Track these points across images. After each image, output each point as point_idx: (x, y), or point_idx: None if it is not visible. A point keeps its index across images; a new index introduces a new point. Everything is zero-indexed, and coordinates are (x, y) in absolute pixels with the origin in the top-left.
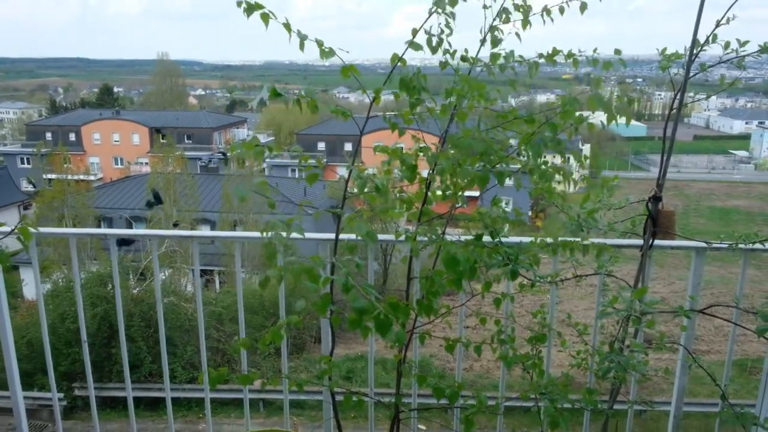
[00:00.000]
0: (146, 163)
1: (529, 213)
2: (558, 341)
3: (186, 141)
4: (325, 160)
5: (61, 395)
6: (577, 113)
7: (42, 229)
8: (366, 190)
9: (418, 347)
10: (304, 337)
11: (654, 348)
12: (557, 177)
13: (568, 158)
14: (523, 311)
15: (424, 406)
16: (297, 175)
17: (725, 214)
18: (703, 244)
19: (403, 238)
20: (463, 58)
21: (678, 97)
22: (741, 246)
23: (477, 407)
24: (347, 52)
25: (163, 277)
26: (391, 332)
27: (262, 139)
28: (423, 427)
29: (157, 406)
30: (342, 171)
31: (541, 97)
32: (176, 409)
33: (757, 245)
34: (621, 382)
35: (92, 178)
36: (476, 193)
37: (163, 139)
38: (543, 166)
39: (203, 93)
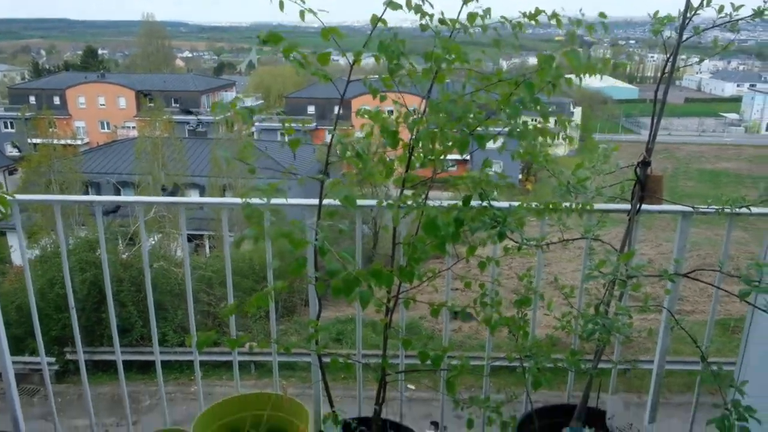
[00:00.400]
0: (133, 127)
1: (519, 176)
2: (544, 304)
3: (173, 104)
4: (314, 124)
5: (53, 359)
6: (569, 76)
7: (21, 197)
8: (348, 154)
9: (407, 310)
10: (294, 300)
11: (638, 311)
12: (549, 140)
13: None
14: (512, 273)
15: (411, 368)
16: (287, 138)
17: (714, 177)
18: (690, 209)
19: (384, 204)
20: (441, 21)
21: (670, 60)
22: (727, 210)
23: (459, 370)
24: (327, 12)
25: (153, 242)
26: (354, 293)
27: (251, 102)
28: (412, 387)
29: (148, 369)
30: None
31: (533, 60)
32: (168, 372)
33: (743, 210)
34: (605, 344)
35: (79, 142)
36: (467, 156)
37: (150, 102)
38: (522, 127)
39: (190, 55)
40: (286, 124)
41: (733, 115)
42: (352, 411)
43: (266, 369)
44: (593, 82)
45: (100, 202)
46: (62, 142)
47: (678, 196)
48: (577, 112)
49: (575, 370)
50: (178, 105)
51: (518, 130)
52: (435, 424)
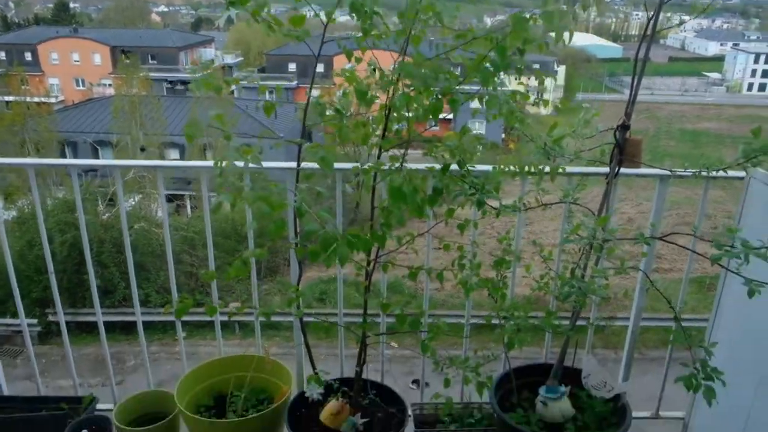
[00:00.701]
0: (110, 85)
1: (502, 135)
2: (523, 266)
3: (150, 61)
4: (295, 81)
5: (35, 321)
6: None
7: None
8: (327, 114)
9: (388, 271)
10: (277, 261)
11: (615, 273)
12: (525, 102)
13: (543, 80)
14: (494, 233)
15: (392, 329)
16: (268, 98)
17: (695, 137)
18: (667, 173)
19: (360, 168)
20: None
21: (652, 20)
22: (703, 174)
23: (435, 332)
24: None
25: (133, 203)
26: (333, 253)
27: (231, 59)
28: (395, 345)
29: (132, 330)
30: (313, 93)
31: None
32: (152, 333)
33: (719, 173)
34: (581, 306)
35: (53, 100)
36: (450, 115)
37: (126, 59)
38: (493, 93)
39: (166, 10)
40: (261, 93)
41: (715, 75)
42: (334, 370)
43: (250, 329)
44: (577, 40)
45: (77, 165)
46: (36, 99)
47: (659, 155)
48: (561, 70)
49: (552, 331)
50: (155, 61)
51: (486, 98)
52: (417, 381)
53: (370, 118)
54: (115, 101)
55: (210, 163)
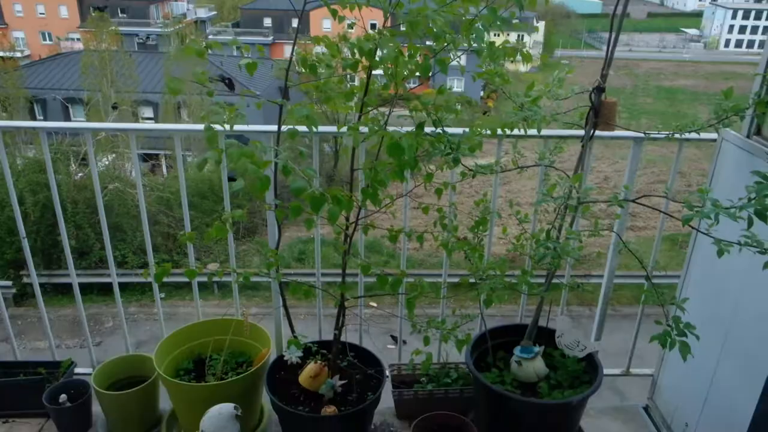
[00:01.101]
0: (78, 39)
1: (481, 93)
2: (500, 225)
3: (120, 15)
4: (271, 37)
5: (9, 283)
6: None
7: None
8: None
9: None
10: (255, 221)
11: (589, 235)
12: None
13: (522, 36)
14: (472, 191)
15: (370, 290)
16: (243, 53)
17: (672, 94)
18: (641, 135)
19: (345, 129)
20: None
21: None
22: (676, 136)
23: (418, 293)
24: None
25: (106, 163)
26: (323, 209)
27: (204, 13)
28: (374, 304)
29: (110, 291)
30: (289, 50)
31: None
32: (130, 294)
33: (692, 135)
34: (556, 267)
35: (18, 55)
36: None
37: (94, 12)
38: (488, 49)
39: None
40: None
41: (693, 31)
42: (313, 329)
43: (229, 289)
44: None
45: (45, 128)
46: (0, 54)
47: (637, 113)
48: (541, 26)
49: (527, 293)
50: (125, 15)
51: (484, 52)
52: (394, 338)
53: (350, 78)
54: (84, 57)
55: (184, 126)
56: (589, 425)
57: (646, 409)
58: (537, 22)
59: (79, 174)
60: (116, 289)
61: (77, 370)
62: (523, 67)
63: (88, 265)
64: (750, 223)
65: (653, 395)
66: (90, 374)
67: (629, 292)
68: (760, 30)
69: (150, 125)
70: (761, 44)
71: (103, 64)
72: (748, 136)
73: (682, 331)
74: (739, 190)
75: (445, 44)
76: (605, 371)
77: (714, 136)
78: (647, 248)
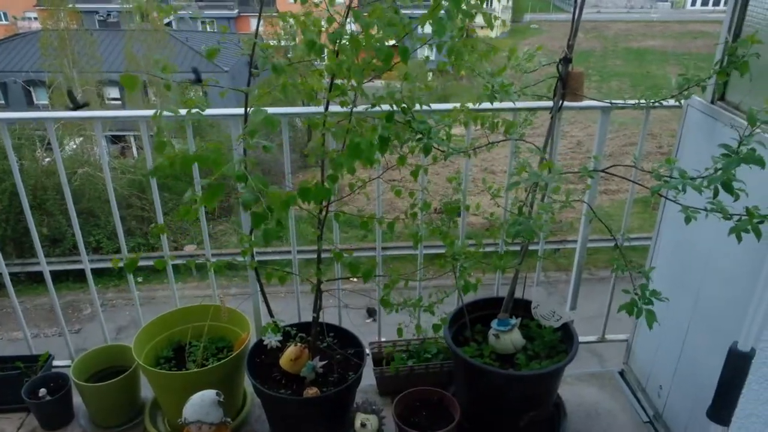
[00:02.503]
0: (35, 18)
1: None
2: (478, 195)
3: None
4: (236, 10)
5: None
6: None
7: None
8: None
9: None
10: (231, 201)
11: (561, 207)
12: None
13: (490, 1)
14: (452, 170)
15: (348, 272)
16: (208, 29)
17: (640, 55)
18: (608, 104)
19: (314, 110)
20: None
21: None
22: (642, 104)
23: (390, 285)
24: None
25: (74, 146)
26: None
27: None
28: (355, 279)
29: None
30: (255, 23)
31: None
32: (107, 279)
33: (658, 104)
34: (530, 240)
35: None
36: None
37: None
38: (450, 42)
39: None
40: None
41: None
42: (295, 309)
43: (208, 270)
44: None
45: (4, 119)
46: None
47: (607, 75)
48: None
49: (502, 269)
50: None
51: (447, 46)
52: (370, 311)
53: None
54: (42, 37)
55: (150, 111)
56: (566, 392)
57: (621, 373)
58: None
59: (47, 159)
60: (89, 277)
61: (56, 362)
62: (493, 33)
63: (62, 252)
64: (716, 193)
65: (628, 360)
66: (69, 366)
67: (605, 255)
68: None
69: (115, 113)
70: (726, 2)
71: (63, 44)
72: (712, 102)
73: (648, 299)
74: (705, 155)
75: (406, 33)
76: (581, 338)
77: (678, 104)
78: (621, 212)
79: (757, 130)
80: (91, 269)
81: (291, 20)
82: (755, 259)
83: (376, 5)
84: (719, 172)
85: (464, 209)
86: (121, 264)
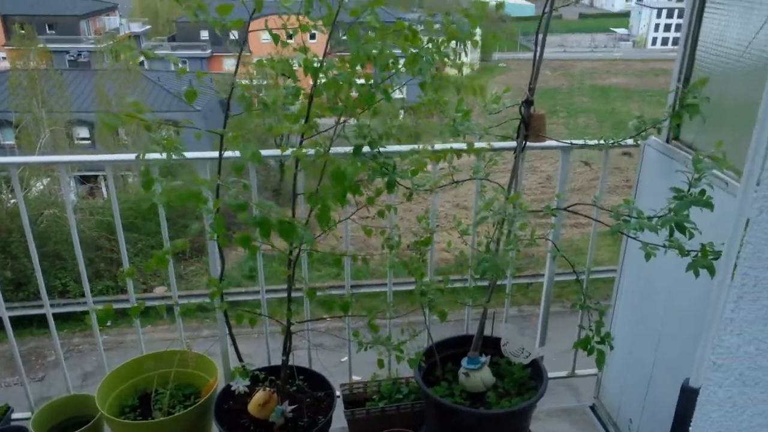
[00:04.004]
0: (3, 58)
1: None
2: (450, 231)
3: (48, 31)
4: (209, 50)
5: None
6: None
7: None
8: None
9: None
10: (202, 240)
11: (526, 244)
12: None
13: (462, 44)
14: (420, 198)
15: (316, 318)
16: (181, 66)
17: (605, 92)
18: (568, 144)
19: (289, 152)
20: None
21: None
22: (602, 144)
23: (372, 316)
24: None
25: (41, 187)
26: (296, 234)
27: (137, 27)
28: (326, 317)
29: (54, 323)
30: (228, 63)
31: None
32: (73, 324)
33: (616, 144)
34: (497, 278)
35: None
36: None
37: (21, 29)
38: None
39: None
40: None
41: (622, 30)
42: (265, 354)
43: (180, 312)
44: None
45: None
46: None
47: (575, 112)
48: (477, 30)
49: (471, 305)
50: (53, 32)
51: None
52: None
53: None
54: (11, 76)
55: (117, 156)
56: (538, 428)
57: (593, 408)
58: (474, 28)
59: (12, 201)
60: (51, 323)
61: (15, 415)
62: (463, 72)
63: (26, 297)
64: (671, 232)
65: (599, 394)
66: (29, 419)
67: (577, 288)
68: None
69: (81, 157)
70: None
71: (32, 83)
72: (668, 141)
73: (601, 338)
74: (662, 193)
75: (390, 73)
76: (553, 374)
77: (637, 143)
78: (587, 245)
79: (707, 172)
80: (58, 313)
81: (265, 62)
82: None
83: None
84: (672, 213)
85: (432, 245)
86: (89, 310)
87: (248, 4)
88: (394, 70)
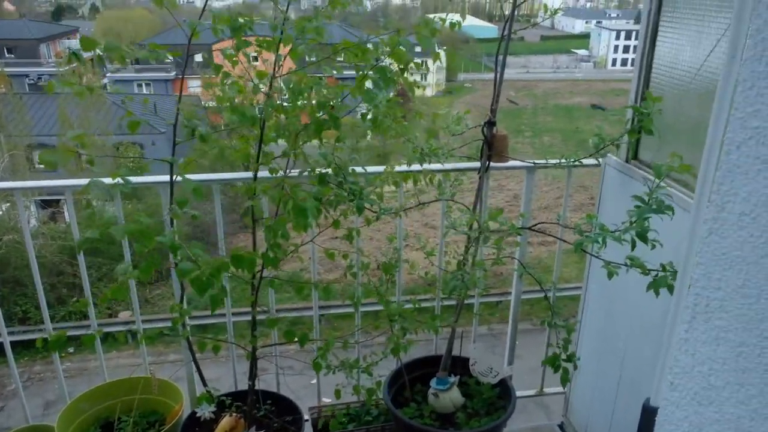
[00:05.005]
0: None
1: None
2: (417, 251)
3: (7, 55)
4: (173, 72)
5: None
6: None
7: None
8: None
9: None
10: (168, 263)
11: (493, 263)
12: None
13: (425, 62)
14: (393, 227)
15: (281, 342)
16: (145, 90)
17: (569, 112)
18: (532, 164)
19: (244, 174)
20: None
21: (508, 24)
22: (563, 163)
23: (324, 349)
24: None
25: (0, 213)
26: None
27: (99, 50)
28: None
29: (15, 350)
30: (192, 84)
31: None
32: (34, 352)
33: (579, 163)
34: (464, 298)
35: None
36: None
37: None
38: (374, 112)
39: None
40: (127, 101)
41: (583, 52)
42: (230, 380)
43: (145, 336)
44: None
45: None
46: None
47: (540, 130)
48: (442, 52)
49: (437, 328)
50: (12, 55)
51: (370, 117)
52: None
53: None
54: None
55: (74, 181)
56: None
57: (561, 426)
58: (438, 49)
59: None
60: (9, 351)
61: None
62: (429, 92)
63: None
64: (633, 246)
65: (567, 412)
66: None
67: (546, 305)
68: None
69: (37, 183)
70: None
71: None
72: (627, 161)
73: (568, 357)
74: (623, 210)
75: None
76: (522, 392)
77: (597, 162)
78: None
79: (662, 184)
80: (18, 341)
81: (219, 86)
82: None
83: (301, 74)
84: (634, 224)
85: (399, 268)
86: (46, 338)
87: (187, 30)
88: (345, 94)
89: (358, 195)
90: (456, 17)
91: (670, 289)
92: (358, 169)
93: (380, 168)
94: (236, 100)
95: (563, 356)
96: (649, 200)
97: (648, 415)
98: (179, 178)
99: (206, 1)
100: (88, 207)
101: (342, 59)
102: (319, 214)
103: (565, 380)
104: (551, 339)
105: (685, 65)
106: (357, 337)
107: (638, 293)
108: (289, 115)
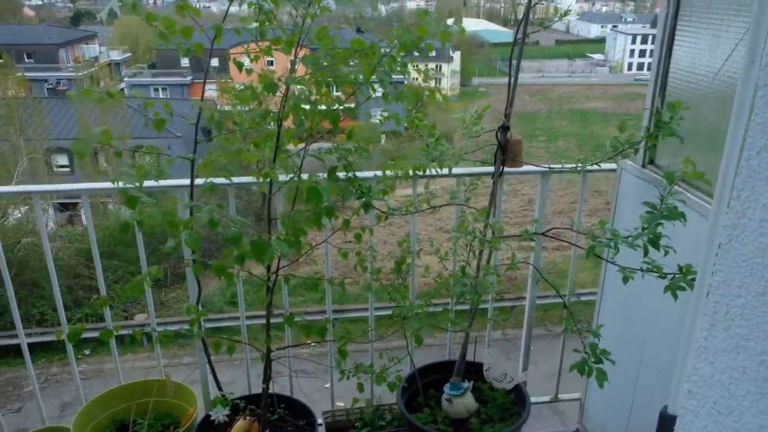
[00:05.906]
0: None
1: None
2: (430, 255)
3: (27, 60)
4: (189, 77)
5: None
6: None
7: None
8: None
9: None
10: (182, 267)
11: (507, 268)
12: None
13: (440, 66)
14: (402, 222)
15: (296, 343)
16: (161, 95)
17: (584, 116)
18: (547, 169)
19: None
20: None
21: (522, 26)
22: (579, 168)
23: (344, 340)
24: None
25: (18, 215)
26: (268, 252)
27: (117, 55)
28: (312, 342)
29: (31, 351)
30: (208, 88)
31: (411, 4)
32: (51, 353)
33: (594, 167)
34: (476, 303)
35: None
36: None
37: None
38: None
39: (41, 3)
40: (148, 107)
41: (598, 56)
42: (244, 382)
43: (160, 337)
44: (470, 25)
45: None
46: None
47: (555, 135)
48: (457, 56)
49: (451, 329)
50: (32, 60)
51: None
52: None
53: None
54: None
55: (92, 185)
56: None
57: None
58: (453, 53)
59: None
60: (26, 352)
61: None
62: (445, 95)
63: (2, 326)
64: (646, 251)
65: (582, 419)
66: None
67: (560, 312)
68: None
69: (55, 186)
70: None
71: (10, 112)
72: (643, 166)
73: (598, 358)
74: (638, 216)
75: (353, 92)
76: (536, 398)
77: (614, 166)
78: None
79: (679, 189)
80: (35, 342)
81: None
82: None
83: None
84: (646, 230)
85: (413, 270)
86: (63, 336)
87: (209, 32)
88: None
89: (366, 192)
90: (471, 22)
91: (690, 285)
92: (367, 174)
93: (390, 172)
94: (251, 105)
95: (592, 359)
96: (660, 206)
97: (666, 423)
98: (199, 181)
99: (228, 6)
100: (104, 211)
101: (353, 64)
102: (332, 212)
103: (601, 380)
104: (570, 345)
105: (703, 69)
106: (371, 337)
107: (655, 298)
108: (306, 114)
